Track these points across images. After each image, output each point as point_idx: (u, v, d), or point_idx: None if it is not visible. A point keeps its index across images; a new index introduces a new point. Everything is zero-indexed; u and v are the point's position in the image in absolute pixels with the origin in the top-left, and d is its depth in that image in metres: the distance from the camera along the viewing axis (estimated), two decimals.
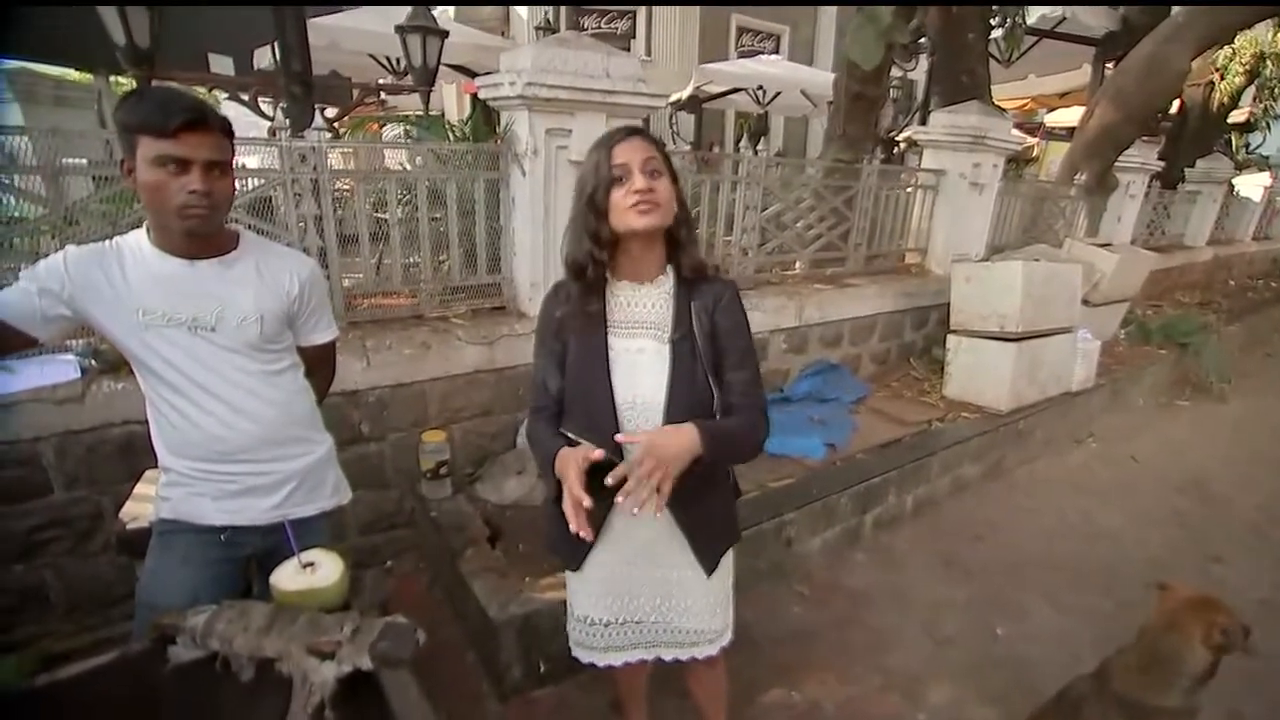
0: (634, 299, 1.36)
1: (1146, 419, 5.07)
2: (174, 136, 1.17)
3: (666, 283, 1.37)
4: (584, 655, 1.58)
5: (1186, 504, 3.76)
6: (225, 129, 1.25)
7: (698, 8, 11.52)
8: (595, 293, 1.33)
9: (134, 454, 2.13)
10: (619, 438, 1.26)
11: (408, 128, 4.90)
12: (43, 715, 1.03)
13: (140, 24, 3.49)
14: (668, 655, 1.57)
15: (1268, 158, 10.79)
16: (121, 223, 2.16)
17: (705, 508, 1.44)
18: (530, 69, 2.57)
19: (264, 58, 6.89)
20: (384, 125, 6.78)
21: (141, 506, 1.66)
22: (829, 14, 13.10)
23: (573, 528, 1.22)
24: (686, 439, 1.21)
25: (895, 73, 7.70)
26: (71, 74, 8.02)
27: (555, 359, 1.37)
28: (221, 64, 8.09)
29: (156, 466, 1.44)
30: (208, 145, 1.21)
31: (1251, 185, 9.24)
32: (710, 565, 1.48)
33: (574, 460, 1.21)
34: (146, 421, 1.41)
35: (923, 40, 6.37)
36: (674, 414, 1.30)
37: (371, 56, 7.03)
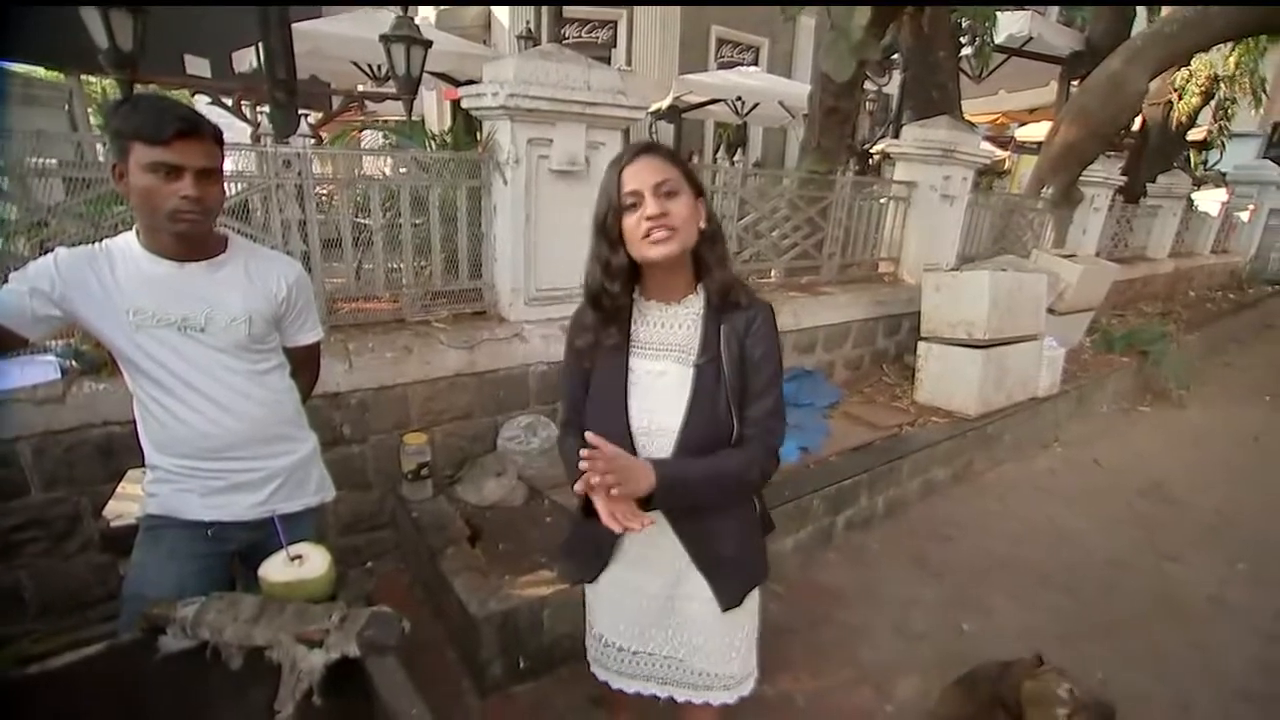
0: (662, 319, 1.29)
1: (1110, 424, 5.24)
2: (167, 144, 1.20)
3: (696, 303, 1.28)
4: (601, 674, 1.55)
5: (1147, 506, 3.90)
6: (216, 137, 1.30)
7: (679, 20, 11.66)
8: (614, 323, 1.27)
9: (113, 455, 2.14)
10: (589, 436, 1.14)
11: (386, 134, 4.94)
12: (35, 703, 1.05)
13: (123, 27, 3.48)
14: (680, 696, 1.46)
15: (1224, 174, 11.20)
16: (103, 225, 2.17)
17: (719, 538, 1.35)
18: (513, 80, 2.64)
19: (243, 60, 6.85)
20: (363, 130, 6.79)
21: (125, 505, 1.67)
22: (808, 27, 13.32)
23: (618, 529, 1.15)
24: (644, 479, 1.14)
25: (871, 86, 7.89)
26: (39, 71, 7.86)
27: (580, 377, 1.33)
28: (198, 66, 8.02)
29: (136, 466, 1.46)
30: (200, 153, 1.25)
31: (1209, 200, 9.62)
32: (728, 600, 1.36)
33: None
34: (126, 422, 1.44)
35: (895, 56, 6.55)
36: (688, 441, 1.23)
37: (354, 63, 7.03)
